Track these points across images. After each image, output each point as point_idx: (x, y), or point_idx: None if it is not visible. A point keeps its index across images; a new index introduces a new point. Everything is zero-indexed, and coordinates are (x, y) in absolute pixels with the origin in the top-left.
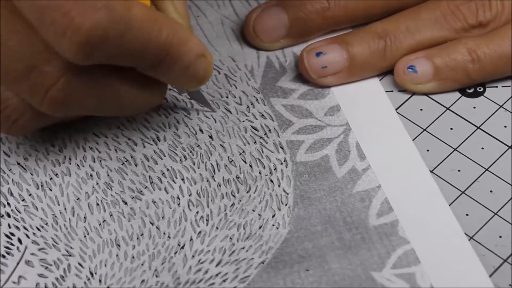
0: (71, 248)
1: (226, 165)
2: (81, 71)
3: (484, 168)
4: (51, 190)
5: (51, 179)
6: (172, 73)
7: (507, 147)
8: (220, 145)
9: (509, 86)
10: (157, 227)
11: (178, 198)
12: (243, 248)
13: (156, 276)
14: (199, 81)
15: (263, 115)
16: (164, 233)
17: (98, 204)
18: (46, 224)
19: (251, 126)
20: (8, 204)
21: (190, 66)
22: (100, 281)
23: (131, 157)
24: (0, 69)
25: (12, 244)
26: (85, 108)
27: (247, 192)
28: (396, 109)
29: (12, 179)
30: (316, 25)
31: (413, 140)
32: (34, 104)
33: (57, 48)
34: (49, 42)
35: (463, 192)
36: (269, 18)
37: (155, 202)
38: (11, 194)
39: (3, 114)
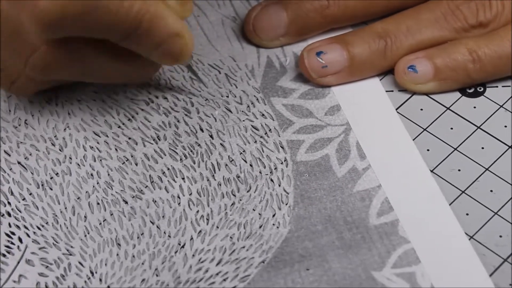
0: (71, 247)
1: (226, 164)
2: (60, 41)
3: (484, 167)
4: (51, 189)
5: (51, 178)
6: (144, 47)
7: (507, 147)
8: (221, 144)
9: (509, 86)
10: (157, 226)
11: (179, 197)
12: (244, 247)
13: (157, 275)
14: (175, 58)
15: (263, 115)
16: (164, 232)
17: (98, 203)
18: (47, 223)
19: (252, 126)
20: (9, 203)
21: (162, 43)
22: (100, 280)
23: (132, 156)
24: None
25: (12, 243)
26: (70, 75)
27: (248, 192)
28: (396, 109)
29: (13, 178)
30: (315, 24)
31: (413, 139)
32: (19, 68)
33: (23, 21)
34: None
35: (463, 192)
36: (269, 16)
37: (155, 201)
38: (12, 193)
39: (3, 73)
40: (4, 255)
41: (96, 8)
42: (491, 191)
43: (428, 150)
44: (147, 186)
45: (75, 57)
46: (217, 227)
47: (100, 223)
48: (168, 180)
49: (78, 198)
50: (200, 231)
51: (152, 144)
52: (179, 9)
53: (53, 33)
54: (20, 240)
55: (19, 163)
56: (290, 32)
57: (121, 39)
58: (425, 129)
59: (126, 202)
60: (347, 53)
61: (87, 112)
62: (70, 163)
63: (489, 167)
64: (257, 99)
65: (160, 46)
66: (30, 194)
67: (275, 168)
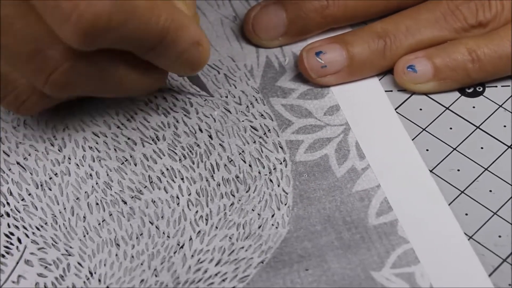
0: (70, 247)
1: (225, 165)
2: (84, 56)
3: (484, 167)
4: (50, 189)
5: (50, 178)
6: (167, 58)
7: (507, 147)
8: (220, 144)
9: (509, 85)
10: (156, 227)
11: (178, 197)
12: (243, 247)
13: (156, 276)
14: (194, 67)
15: (262, 115)
16: (163, 233)
17: (97, 204)
18: (46, 223)
19: (251, 126)
20: (8, 203)
21: (184, 52)
22: (99, 280)
23: (131, 156)
24: (8, 51)
25: (11, 244)
26: (87, 90)
27: (247, 192)
28: (395, 109)
29: (12, 179)
30: (315, 24)
31: (412, 139)
32: (37, 86)
33: (60, 33)
34: (52, 27)
35: (462, 192)
36: (268, 16)
37: (154, 201)
38: (11, 194)
39: (12, 94)
40: (3, 256)
41: (133, 16)
42: (491, 191)
43: (427, 150)
44: (146, 187)
45: (95, 71)
46: (216, 227)
47: (99, 224)
48: (167, 181)
49: (77, 198)
50: (199, 232)
51: (151, 144)
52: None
53: (92, 43)
54: (19, 240)
55: (18, 163)
56: (290, 32)
57: (147, 50)
58: (424, 129)
59: (125, 203)
60: (346, 53)
61: (86, 113)
62: (69, 163)
63: (488, 167)
64: (256, 100)
65: (182, 55)
66: (29, 194)
67: (274, 169)
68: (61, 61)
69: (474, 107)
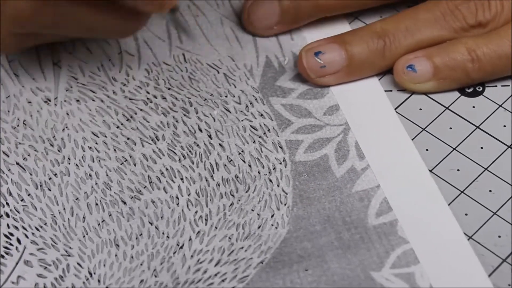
0: (70, 248)
1: (225, 165)
2: None
3: (483, 167)
4: (50, 190)
5: (50, 179)
6: None
7: (507, 147)
8: (219, 144)
9: (509, 85)
10: (156, 227)
11: (177, 197)
12: (242, 248)
13: (155, 276)
14: (160, 4)
15: (262, 115)
16: (163, 233)
17: (97, 204)
18: (45, 224)
19: (250, 126)
20: (7, 204)
21: None
22: (99, 281)
23: (130, 156)
24: None
25: (11, 244)
26: (44, 26)
27: (246, 192)
28: (395, 109)
29: (11, 179)
30: (308, 12)
31: (412, 139)
32: (3, 22)
33: None
34: None
35: (462, 192)
36: (262, 5)
37: (154, 201)
38: (10, 194)
39: None
40: (2, 256)
41: None
42: (490, 191)
43: (427, 150)
44: (145, 187)
45: (48, 6)
46: (216, 227)
47: (99, 224)
48: (166, 181)
49: (77, 199)
50: (198, 232)
51: (150, 144)
52: None
53: None
54: (18, 241)
55: (17, 163)
56: (284, 20)
57: None
58: (424, 129)
59: (125, 203)
60: (345, 52)
61: (86, 113)
62: (69, 163)
63: (488, 167)
64: (256, 99)
65: None
66: (29, 195)
67: (274, 168)
68: None
69: (474, 107)
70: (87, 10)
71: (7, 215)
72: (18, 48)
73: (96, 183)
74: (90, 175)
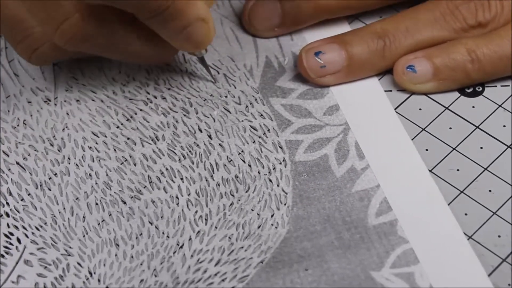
0: (70, 247)
1: (225, 165)
2: (93, 11)
3: (483, 167)
4: (50, 189)
5: (50, 178)
6: (169, 29)
7: (506, 147)
8: (219, 144)
9: (508, 85)
10: (156, 227)
11: (177, 197)
12: (242, 247)
13: (155, 276)
14: (196, 45)
15: (262, 115)
16: (163, 233)
17: (97, 204)
18: (45, 223)
19: (250, 126)
20: (7, 203)
21: (188, 26)
22: (99, 280)
23: (130, 156)
24: None
25: (11, 244)
26: (95, 47)
27: (246, 192)
28: (395, 109)
29: (11, 179)
30: (310, 14)
31: (412, 139)
32: (49, 35)
33: None
34: None
35: (462, 192)
36: (263, 7)
37: (154, 201)
38: (10, 194)
39: (27, 41)
40: (2, 256)
41: None
42: (490, 191)
43: (426, 150)
44: (145, 187)
45: (104, 29)
46: (216, 227)
47: (99, 224)
48: (166, 181)
49: (77, 198)
50: (198, 232)
51: (150, 144)
52: None
53: None
54: (18, 240)
55: (17, 163)
56: (285, 22)
57: (148, 16)
58: (423, 129)
59: (125, 203)
60: (345, 52)
61: (86, 112)
62: (69, 163)
63: (488, 167)
64: (256, 99)
65: (184, 30)
66: (29, 194)
67: (274, 168)
68: (72, 12)
69: (473, 107)
70: (137, 36)
71: (7, 215)
72: (52, 61)
73: (96, 183)
74: (90, 175)
